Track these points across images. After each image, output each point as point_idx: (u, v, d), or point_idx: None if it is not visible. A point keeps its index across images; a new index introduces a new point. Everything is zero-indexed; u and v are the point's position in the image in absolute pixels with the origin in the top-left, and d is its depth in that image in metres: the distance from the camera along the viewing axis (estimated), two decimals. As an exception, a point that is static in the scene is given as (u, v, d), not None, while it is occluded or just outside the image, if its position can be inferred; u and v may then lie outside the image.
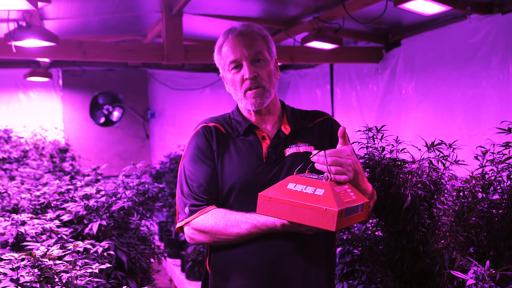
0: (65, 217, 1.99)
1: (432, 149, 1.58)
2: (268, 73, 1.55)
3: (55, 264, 1.31)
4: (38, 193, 2.23)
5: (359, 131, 1.77)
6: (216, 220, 1.47)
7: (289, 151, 1.55)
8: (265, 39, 1.57)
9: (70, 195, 2.23)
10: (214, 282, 1.58)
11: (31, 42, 3.46)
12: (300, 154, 1.54)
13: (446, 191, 1.57)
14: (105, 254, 1.64)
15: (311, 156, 1.35)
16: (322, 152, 1.32)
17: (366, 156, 1.75)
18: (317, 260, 1.54)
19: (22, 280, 1.21)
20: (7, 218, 1.78)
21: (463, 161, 1.56)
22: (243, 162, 1.54)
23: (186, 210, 1.53)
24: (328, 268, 1.59)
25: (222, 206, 1.54)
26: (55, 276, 1.29)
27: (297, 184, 1.31)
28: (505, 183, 1.50)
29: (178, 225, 1.57)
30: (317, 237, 1.53)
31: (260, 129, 1.59)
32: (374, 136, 1.73)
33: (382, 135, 1.73)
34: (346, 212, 1.22)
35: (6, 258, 1.23)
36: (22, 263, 1.24)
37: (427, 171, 1.61)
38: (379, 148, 1.73)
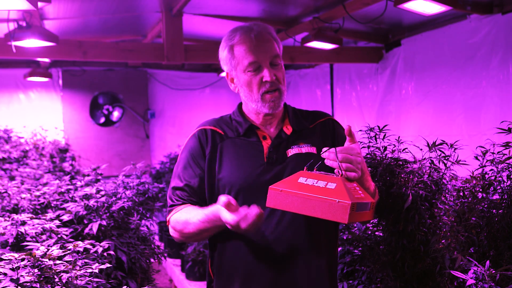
0: (65, 217, 1.99)
1: (433, 149, 1.58)
2: (283, 76, 1.57)
3: (55, 264, 1.31)
4: (38, 193, 2.23)
5: (360, 130, 1.77)
6: (180, 216, 1.53)
7: (291, 151, 1.55)
8: (277, 41, 1.58)
9: (70, 195, 2.23)
10: (218, 286, 1.58)
11: (31, 42, 3.46)
12: (303, 155, 1.54)
13: (447, 191, 1.57)
14: (105, 254, 1.64)
15: (321, 152, 1.36)
16: (332, 149, 1.33)
17: (368, 155, 1.75)
18: (321, 261, 1.54)
19: (22, 280, 1.21)
20: (7, 218, 1.78)
21: (464, 161, 1.56)
22: (244, 162, 1.53)
23: (168, 209, 1.61)
24: (331, 268, 1.59)
25: None
26: (55, 276, 1.29)
27: (308, 178, 1.32)
28: (505, 183, 1.50)
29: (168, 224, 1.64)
30: (320, 238, 1.53)
31: (260, 129, 1.59)
32: (376, 136, 1.73)
33: (384, 135, 1.73)
34: (357, 206, 1.24)
35: (6, 258, 1.23)
36: (22, 263, 1.24)
37: (429, 171, 1.61)
38: (381, 148, 1.73)
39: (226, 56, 1.58)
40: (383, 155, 1.72)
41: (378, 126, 1.74)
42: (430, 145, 1.58)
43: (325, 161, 1.35)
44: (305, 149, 1.56)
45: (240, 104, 1.66)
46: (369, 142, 1.75)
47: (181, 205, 1.57)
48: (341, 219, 1.22)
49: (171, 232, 1.60)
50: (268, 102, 1.53)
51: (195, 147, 1.59)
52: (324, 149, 1.36)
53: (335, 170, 1.33)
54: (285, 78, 1.58)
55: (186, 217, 1.51)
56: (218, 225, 1.43)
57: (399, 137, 1.72)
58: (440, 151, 1.58)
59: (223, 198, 1.34)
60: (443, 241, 1.49)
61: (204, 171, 1.56)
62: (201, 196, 1.57)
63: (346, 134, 1.41)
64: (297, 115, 1.65)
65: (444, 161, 1.57)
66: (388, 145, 1.73)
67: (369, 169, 1.72)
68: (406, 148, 1.71)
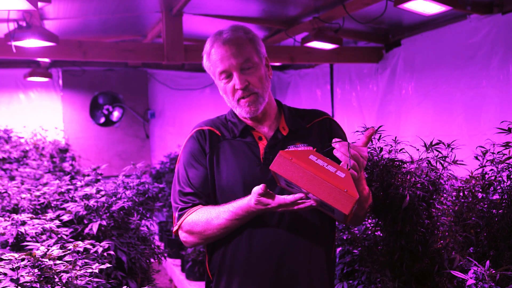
0: (65, 217, 1.99)
1: (430, 149, 1.58)
2: (259, 78, 1.53)
3: (55, 264, 1.31)
4: (38, 193, 2.23)
5: (357, 131, 1.77)
6: (199, 217, 1.49)
7: None
8: (252, 41, 1.54)
9: (70, 195, 2.23)
10: (218, 286, 1.58)
11: (31, 42, 3.46)
12: None
13: (445, 191, 1.57)
14: (105, 254, 1.64)
15: (333, 142, 1.36)
16: (346, 142, 1.34)
17: (365, 156, 1.75)
18: (320, 260, 1.55)
19: (22, 280, 1.21)
20: (7, 218, 1.78)
21: (462, 161, 1.56)
22: (241, 163, 1.53)
23: (176, 214, 1.56)
24: (330, 268, 1.60)
25: None
26: (55, 276, 1.29)
27: (319, 158, 1.32)
28: (505, 183, 1.50)
29: (173, 230, 1.59)
30: (319, 238, 1.54)
31: (256, 130, 1.59)
32: (372, 137, 1.73)
33: (380, 136, 1.73)
34: (357, 202, 1.26)
35: (6, 258, 1.23)
36: (22, 263, 1.24)
37: (426, 171, 1.61)
38: (377, 149, 1.73)
39: (206, 65, 1.60)
40: (379, 156, 1.72)
41: (373, 127, 1.73)
42: (427, 145, 1.58)
43: (334, 151, 1.34)
44: (301, 149, 1.55)
45: None
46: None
47: (191, 208, 1.53)
48: (343, 209, 1.23)
49: (185, 236, 1.55)
50: (244, 107, 1.53)
51: (195, 147, 1.58)
52: (336, 139, 1.36)
53: (341, 163, 1.33)
54: (264, 79, 1.55)
55: (207, 217, 1.48)
56: (246, 219, 1.44)
57: (395, 137, 1.71)
58: (437, 151, 1.58)
59: (256, 189, 1.36)
60: (441, 241, 1.49)
61: (207, 169, 1.56)
62: (208, 194, 1.55)
63: (366, 135, 1.42)
64: (293, 115, 1.64)
65: (441, 161, 1.57)
66: (385, 145, 1.72)
67: (367, 170, 1.72)
68: (403, 148, 1.71)
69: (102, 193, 2.12)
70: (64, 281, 1.28)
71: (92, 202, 2.00)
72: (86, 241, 1.55)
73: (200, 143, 1.58)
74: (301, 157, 1.31)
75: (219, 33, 1.54)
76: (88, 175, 2.61)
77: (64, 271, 1.31)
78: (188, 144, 1.61)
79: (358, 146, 1.37)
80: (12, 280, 1.20)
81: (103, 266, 1.38)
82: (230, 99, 1.56)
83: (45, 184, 2.69)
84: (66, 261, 1.37)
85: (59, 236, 1.77)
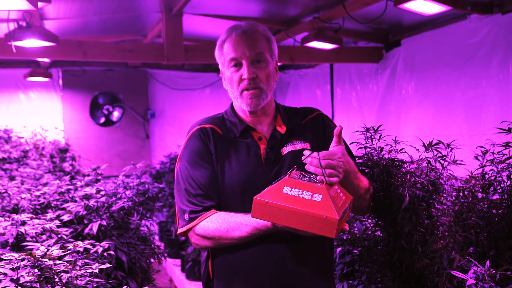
0: (65, 217, 1.99)
1: (430, 149, 1.58)
2: (267, 75, 1.54)
3: (55, 264, 1.31)
4: (38, 193, 2.23)
5: (357, 131, 1.77)
6: (217, 226, 1.46)
7: (285, 150, 1.56)
8: (268, 40, 1.56)
9: (70, 195, 2.23)
10: (218, 286, 1.57)
11: (31, 42, 3.47)
12: (297, 152, 1.55)
13: (444, 191, 1.57)
14: (105, 254, 1.64)
15: (302, 158, 1.34)
16: (315, 154, 1.31)
17: (364, 156, 1.75)
18: (321, 260, 1.56)
19: (22, 280, 1.21)
20: (7, 218, 1.78)
21: (462, 161, 1.56)
22: (243, 164, 1.53)
23: (186, 216, 1.52)
24: (330, 268, 1.61)
25: (224, 209, 1.52)
26: (55, 276, 1.29)
27: (293, 188, 1.29)
28: (505, 183, 1.50)
29: (179, 231, 1.56)
30: (319, 236, 1.54)
31: (256, 130, 1.59)
32: (372, 137, 1.73)
33: (380, 135, 1.72)
34: (342, 215, 1.25)
35: (6, 258, 1.23)
36: (22, 263, 1.24)
37: (426, 171, 1.61)
38: (377, 149, 1.73)
39: (217, 54, 1.60)
40: (380, 156, 1.72)
41: (373, 127, 1.74)
42: (426, 145, 1.58)
43: (307, 166, 1.32)
44: (299, 145, 1.57)
45: (233, 103, 1.66)
46: (366, 142, 1.75)
47: (204, 212, 1.50)
48: (328, 234, 1.22)
49: (197, 239, 1.52)
50: (246, 99, 1.53)
51: (200, 146, 1.56)
52: (306, 153, 1.33)
53: (318, 177, 1.31)
54: (271, 77, 1.56)
55: (226, 227, 1.45)
56: (266, 233, 1.42)
57: (395, 137, 1.71)
58: (437, 151, 1.58)
59: None
60: (441, 241, 1.49)
61: (214, 168, 1.54)
62: (218, 195, 1.53)
63: (335, 134, 1.40)
64: (287, 113, 1.66)
65: (441, 161, 1.57)
66: (385, 145, 1.72)
67: (367, 170, 1.72)
68: (403, 148, 1.71)
69: (102, 193, 2.12)
70: (64, 281, 1.28)
71: (92, 202, 2.00)
72: (86, 241, 1.55)
73: (204, 142, 1.56)
74: (275, 193, 1.30)
75: (237, 26, 1.56)
76: (88, 175, 2.61)
77: (64, 271, 1.31)
78: (190, 142, 1.58)
79: (329, 151, 1.34)
80: (12, 280, 1.20)
81: (103, 266, 1.38)
82: (234, 89, 1.55)
83: (45, 184, 2.69)
84: (66, 261, 1.37)
85: (59, 236, 1.77)
